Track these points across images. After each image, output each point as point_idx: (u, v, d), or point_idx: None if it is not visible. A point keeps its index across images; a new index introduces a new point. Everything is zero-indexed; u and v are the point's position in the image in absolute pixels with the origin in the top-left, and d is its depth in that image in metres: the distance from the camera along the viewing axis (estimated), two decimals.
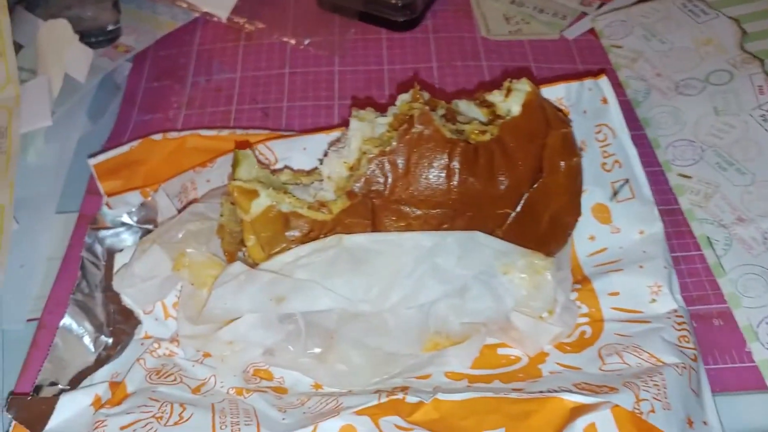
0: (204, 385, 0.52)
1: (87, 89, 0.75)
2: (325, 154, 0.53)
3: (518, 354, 0.55)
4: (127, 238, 0.64)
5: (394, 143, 0.49)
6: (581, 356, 0.54)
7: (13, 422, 0.51)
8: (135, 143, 0.67)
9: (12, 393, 0.55)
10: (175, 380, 0.52)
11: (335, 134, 0.64)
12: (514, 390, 0.50)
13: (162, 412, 0.48)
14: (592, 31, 0.83)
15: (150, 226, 0.64)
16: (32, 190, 0.69)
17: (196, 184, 0.63)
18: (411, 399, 0.48)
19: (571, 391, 0.47)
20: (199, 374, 0.53)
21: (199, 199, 0.59)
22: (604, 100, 0.61)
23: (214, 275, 0.52)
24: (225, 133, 0.68)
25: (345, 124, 0.67)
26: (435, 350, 0.53)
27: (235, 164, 0.52)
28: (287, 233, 0.50)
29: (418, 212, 0.50)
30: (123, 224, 0.64)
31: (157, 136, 0.68)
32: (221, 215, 0.53)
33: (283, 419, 0.49)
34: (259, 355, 0.53)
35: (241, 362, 0.52)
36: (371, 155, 0.49)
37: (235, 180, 0.50)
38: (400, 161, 0.49)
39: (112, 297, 0.59)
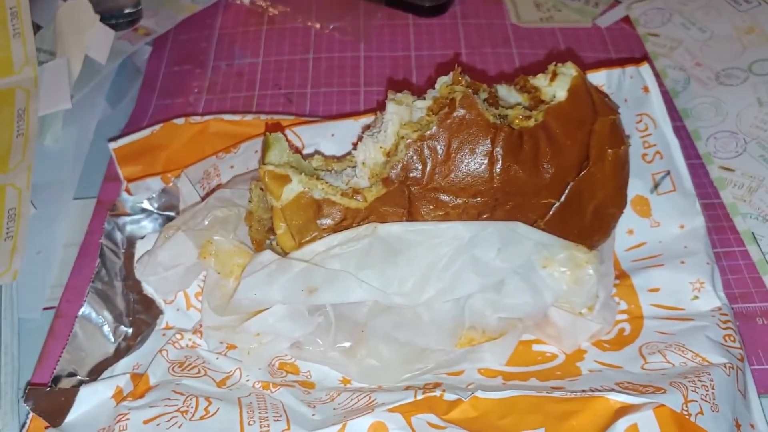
0: (229, 379, 0.50)
1: (107, 72, 0.73)
2: (359, 139, 0.51)
3: (554, 351, 0.53)
4: (148, 225, 0.62)
5: (434, 128, 0.47)
6: (621, 354, 0.52)
7: (31, 414, 0.49)
8: (156, 127, 0.65)
9: (29, 383, 0.53)
10: (199, 373, 0.50)
11: (364, 120, 0.62)
12: (555, 388, 0.48)
13: (187, 406, 0.46)
14: (625, 19, 0.81)
15: (171, 213, 0.62)
16: (50, 175, 0.67)
17: (219, 170, 0.61)
18: (449, 396, 0.46)
19: (616, 391, 0.45)
20: (223, 367, 0.51)
21: (225, 184, 0.57)
22: (646, 89, 0.59)
23: (241, 264, 0.50)
24: (249, 118, 0.65)
25: (372, 111, 0.65)
26: (469, 346, 0.50)
27: (265, 148, 0.49)
28: (319, 221, 0.48)
29: (458, 201, 0.47)
30: (143, 211, 0.62)
31: (179, 120, 0.65)
32: (250, 201, 0.51)
33: (313, 415, 0.47)
34: (286, 348, 0.51)
35: (267, 355, 0.50)
36: (409, 140, 0.47)
37: (265, 164, 0.48)
38: (440, 147, 0.47)
39: (132, 286, 0.57)
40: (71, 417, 0.47)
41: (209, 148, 0.64)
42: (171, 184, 0.62)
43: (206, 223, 0.51)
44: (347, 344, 0.50)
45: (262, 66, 0.78)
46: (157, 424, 0.44)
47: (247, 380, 0.50)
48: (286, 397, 0.48)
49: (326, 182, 0.48)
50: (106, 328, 0.55)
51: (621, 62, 0.60)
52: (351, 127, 0.62)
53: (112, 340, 0.55)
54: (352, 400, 0.47)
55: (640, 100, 0.59)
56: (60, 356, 0.53)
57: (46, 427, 0.47)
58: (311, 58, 0.78)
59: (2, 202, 0.62)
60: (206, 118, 0.65)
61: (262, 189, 0.49)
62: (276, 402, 0.47)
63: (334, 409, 0.47)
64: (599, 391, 0.45)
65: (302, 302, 0.47)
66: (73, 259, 0.62)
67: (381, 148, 0.48)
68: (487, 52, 0.78)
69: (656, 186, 0.59)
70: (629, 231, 0.58)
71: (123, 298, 0.57)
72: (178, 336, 0.52)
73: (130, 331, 0.55)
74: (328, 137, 0.62)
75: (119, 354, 0.54)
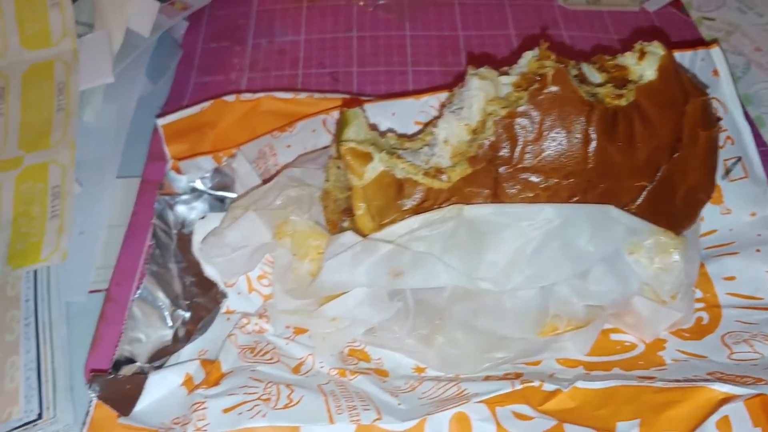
0: (302, 365, 0.48)
1: (145, 47, 0.69)
2: (436, 117, 0.48)
3: (633, 340, 0.51)
4: (198, 206, 0.59)
5: (525, 104, 0.44)
6: (703, 344, 0.50)
7: (95, 401, 0.46)
8: (206, 104, 0.62)
9: (93, 370, 0.50)
10: (272, 359, 0.47)
11: (426, 98, 0.60)
12: (644, 378, 0.46)
13: (269, 394, 0.43)
14: (674, 3, 0.79)
15: (223, 193, 0.59)
16: (91, 153, 0.64)
17: (275, 149, 0.59)
18: (548, 387, 0.44)
19: (722, 380, 0.43)
20: (294, 353, 0.48)
21: (292, 163, 0.55)
22: (715, 72, 0.57)
23: (316, 246, 0.48)
24: (302, 96, 0.63)
25: (432, 89, 0.62)
26: (552, 335, 0.48)
27: (342, 124, 0.47)
28: (400, 202, 0.45)
29: (549, 182, 0.45)
30: (193, 190, 0.59)
31: (230, 98, 0.63)
32: (326, 180, 0.48)
33: (399, 405, 0.44)
34: (361, 333, 0.48)
35: (342, 341, 0.48)
36: (498, 117, 0.44)
37: (346, 141, 0.45)
38: (531, 124, 0.44)
39: (186, 268, 0.55)
40: (141, 405, 0.45)
41: (261, 126, 0.62)
42: (223, 163, 0.60)
43: (279, 202, 0.48)
44: (424, 331, 0.48)
45: (305, 44, 0.75)
46: (239, 413, 0.42)
47: (322, 367, 0.47)
48: (366, 385, 0.46)
49: (407, 161, 0.46)
50: (164, 313, 0.52)
51: (694, 44, 0.58)
52: (412, 105, 0.59)
53: (170, 324, 0.52)
54: (438, 389, 0.45)
55: (710, 84, 0.57)
56: (118, 341, 0.50)
57: (118, 416, 0.44)
58: (355, 36, 0.76)
59: (45, 179, 0.59)
60: (258, 95, 0.63)
61: (339, 167, 0.47)
62: (358, 390, 0.45)
63: (418, 398, 0.45)
64: (703, 380, 0.44)
65: (386, 286, 0.45)
66: (117, 240, 0.60)
67: (466, 125, 0.46)
68: (536, 34, 0.76)
69: (728, 172, 0.57)
70: (700, 218, 0.57)
71: (179, 280, 0.54)
72: (245, 320, 0.50)
73: (188, 315, 0.53)
74: (389, 116, 0.59)
75: (177, 339, 0.52)
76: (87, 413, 0.46)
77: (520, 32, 0.76)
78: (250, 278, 0.53)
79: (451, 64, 0.73)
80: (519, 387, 0.44)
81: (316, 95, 0.63)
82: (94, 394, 0.46)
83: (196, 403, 0.43)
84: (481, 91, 0.46)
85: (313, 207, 0.49)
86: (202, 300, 0.53)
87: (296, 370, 0.47)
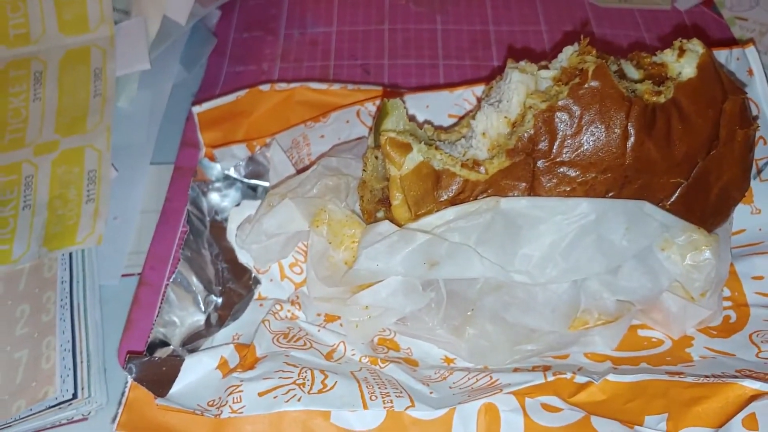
0: (334, 352, 0.48)
1: (180, 35, 0.70)
2: (474, 110, 0.49)
3: (660, 336, 0.51)
4: (231, 193, 0.60)
5: (565, 98, 0.44)
6: (731, 341, 0.50)
7: (130, 382, 0.47)
8: (242, 93, 0.63)
9: (129, 352, 0.51)
10: (305, 345, 0.48)
11: (460, 91, 0.60)
12: (673, 374, 0.46)
13: (303, 379, 0.44)
14: (705, 2, 0.79)
15: (256, 182, 0.60)
16: (125, 139, 0.64)
17: (308, 139, 0.59)
18: (580, 379, 0.44)
19: (753, 378, 0.43)
20: (326, 340, 0.49)
21: (328, 153, 0.55)
22: (750, 72, 0.57)
23: (351, 235, 0.48)
24: (336, 87, 0.63)
25: (466, 83, 0.63)
26: (582, 329, 0.49)
27: (382, 114, 0.47)
28: (437, 193, 0.46)
29: (586, 177, 0.45)
30: (227, 178, 0.60)
31: (265, 87, 0.63)
32: (364, 170, 0.48)
33: (431, 393, 0.45)
34: (392, 323, 0.49)
35: (374, 329, 0.48)
36: (537, 111, 0.45)
37: (386, 131, 0.46)
38: (571, 119, 0.44)
39: (219, 254, 0.55)
40: (177, 387, 0.45)
41: (294, 116, 0.62)
42: (257, 152, 0.60)
43: (315, 191, 0.49)
44: (455, 322, 0.48)
45: (336, 35, 0.76)
46: (274, 397, 0.43)
47: (353, 354, 0.48)
48: (397, 373, 0.46)
49: (445, 152, 0.46)
50: (197, 298, 0.53)
51: (729, 42, 0.58)
52: (446, 98, 0.60)
53: (203, 309, 0.53)
54: (469, 379, 0.46)
55: (744, 84, 0.57)
56: (153, 324, 0.51)
57: (155, 397, 0.45)
58: (387, 29, 0.76)
59: (82, 163, 0.60)
60: (292, 85, 0.63)
61: (377, 157, 0.47)
62: (390, 378, 0.46)
63: (450, 387, 0.45)
64: (732, 377, 0.44)
65: (421, 275, 0.45)
66: (150, 225, 0.60)
67: (505, 118, 0.46)
68: (568, 30, 0.76)
69: (759, 172, 0.57)
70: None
71: (212, 266, 0.55)
72: (278, 307, 0.50)
73: (220, 301, 0.53)
74: (423, 108, 0.60)
75: (209, 324, 0.52)
76: (123, 394, 0.47)
77: (550, 28, 0.76)
78: (283, 266, 0.53)
79: (482, 58, 0.73)
80: (551, 378, 0.44)
81: (350, 86, 0.63)
82: (130, 376, 0.46)
83: (231, 386, 0.44)
84: (522, 85, 0.46)
85: (349, 196, 0.50)
86: (234, 286, 0.54)
87: (329, 356, 0.47)
